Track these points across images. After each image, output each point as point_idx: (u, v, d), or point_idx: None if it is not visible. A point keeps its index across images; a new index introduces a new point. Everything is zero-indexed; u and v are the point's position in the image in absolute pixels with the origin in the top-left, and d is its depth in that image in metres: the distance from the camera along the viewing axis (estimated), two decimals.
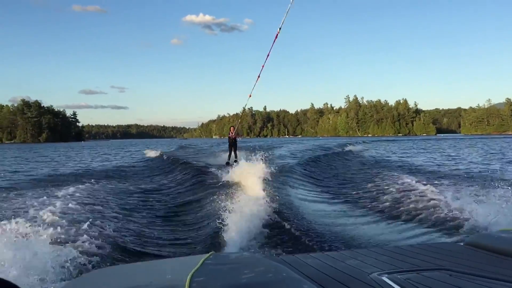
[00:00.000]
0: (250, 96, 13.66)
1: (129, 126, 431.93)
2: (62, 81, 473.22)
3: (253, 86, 13.90)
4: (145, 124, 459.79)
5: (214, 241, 7.71)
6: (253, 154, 18.39)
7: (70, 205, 10.14)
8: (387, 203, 11.62)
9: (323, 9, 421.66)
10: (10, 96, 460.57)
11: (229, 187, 13.25)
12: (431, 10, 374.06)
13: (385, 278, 2.75)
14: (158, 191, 15.64)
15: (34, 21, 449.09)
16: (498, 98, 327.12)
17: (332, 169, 24.33)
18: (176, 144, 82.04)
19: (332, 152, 37.87)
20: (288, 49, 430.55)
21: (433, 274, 2.84)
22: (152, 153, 41.11)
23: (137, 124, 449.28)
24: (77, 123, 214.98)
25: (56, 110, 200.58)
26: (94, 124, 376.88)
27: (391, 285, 2.60)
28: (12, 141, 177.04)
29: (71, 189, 13.20)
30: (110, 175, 21.85)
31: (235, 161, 20.16)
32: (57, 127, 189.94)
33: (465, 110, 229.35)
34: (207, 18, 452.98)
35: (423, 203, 10.66)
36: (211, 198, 11.94)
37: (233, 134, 21.79)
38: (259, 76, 11.84)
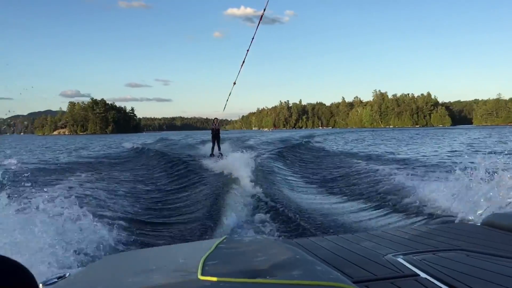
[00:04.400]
0: (235, 83, 11.68)
1: (173, 118, 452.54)
2: (109, 74, 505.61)
3: (237, 73, 11.58)
4: (189, 116, 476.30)
5: (214, 228, 7.86)
6: (234, 145, 21.98)
7: (74, 195, 9.59)
8: (361, 189, 11.96)
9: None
10: (60, 90, 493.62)
11: (219, 176, 13.86)
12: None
13: (400, 259, 2.79)
14: (146, 182, 15.43)
15: (82, 18, 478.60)
16: None
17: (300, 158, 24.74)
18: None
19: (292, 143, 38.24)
20: (326, 39, 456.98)
21: (449, 254, 2.86)
22: (134, 145, 38.99)
23: (181, 117, 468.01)
24: (135, 117, 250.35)
25: (117, 106, 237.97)
26: (141, 117, 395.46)
27: (406, 265, 2.65)
28: (85, 133, 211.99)
29: (73, 180, 13.29)
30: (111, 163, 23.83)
31: (220, 153, 20.51)
32: (120, 120, 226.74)
33: (476, 103, 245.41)
34: (248, 10, 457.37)
35: (392, 187, 11.06)
36: (204, 187, 12.39)
37: (217, 125, 21.70)
38: (243, 62, 10.05)
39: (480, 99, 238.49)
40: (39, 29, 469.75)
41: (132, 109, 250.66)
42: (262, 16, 7.94)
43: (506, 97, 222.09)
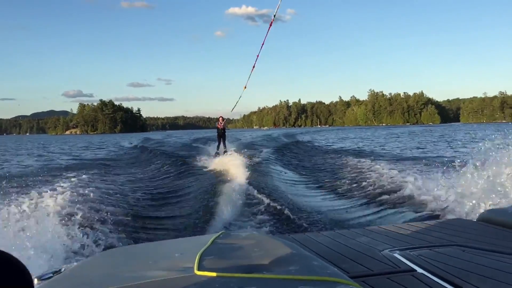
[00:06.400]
0: (245, 87, 12.39)
1: (176, 117, 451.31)
2: (111, 74, 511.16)
3: (248, 77, 12.20)
4: (191, 116, 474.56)
5: (210, 224, 7.91)
6: (231, 143, 22.42)
7: (73, 192, 9.94)
8: (347, 185, 12.27)
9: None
10: (62, 90, 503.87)
11: (214, 173, 14.24)
12: None
13: (396, 255, 2.81)
14: (151, 179, 15.88)
15: (85, 18, 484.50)
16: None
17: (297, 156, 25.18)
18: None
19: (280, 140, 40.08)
20: (325, 38, 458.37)
21: (445, 250, 2.88)
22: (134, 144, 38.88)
23: (183, 116, 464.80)
24: (141, 118, 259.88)
25: (125, 107, 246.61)
26: (145, 116, 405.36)
27: (402, 261, 2.67)
28: (95, 132, 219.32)
29: (72, 179, 12.79)
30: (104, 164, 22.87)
31: (225, 151, 20.22)
32: (127, 120, 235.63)
33: (463, 101, 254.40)
34: (250, 9, 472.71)
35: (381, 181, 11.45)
36: (202, 184, 12.53)
37: (222, 124, 21.37)
38: (254, 66, 10.86)
39: (478, 97, 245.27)
40: (41, 30, 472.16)
41: (139, 110, 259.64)
42: (271, 24, 8.30)
43: (490, 95, 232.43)
